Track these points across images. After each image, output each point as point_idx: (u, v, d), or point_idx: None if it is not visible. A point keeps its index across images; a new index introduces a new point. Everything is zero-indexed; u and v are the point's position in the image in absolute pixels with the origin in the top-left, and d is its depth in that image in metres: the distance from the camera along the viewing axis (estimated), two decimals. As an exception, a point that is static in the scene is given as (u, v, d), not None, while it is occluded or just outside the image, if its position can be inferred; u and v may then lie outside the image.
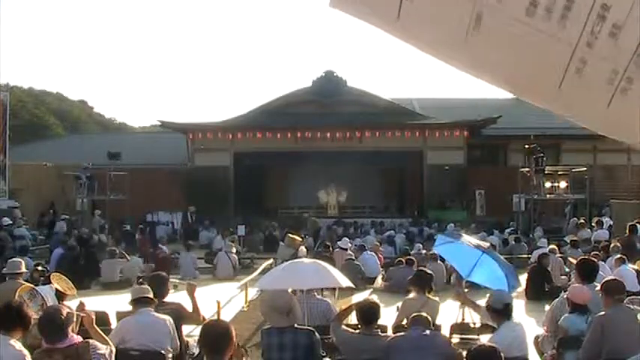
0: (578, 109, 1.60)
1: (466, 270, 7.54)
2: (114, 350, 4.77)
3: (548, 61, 1.50)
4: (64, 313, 4.45)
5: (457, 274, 12.00)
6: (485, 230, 20.25)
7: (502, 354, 3.96)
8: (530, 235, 20.49)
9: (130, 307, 6.11)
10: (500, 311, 5.51)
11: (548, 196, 23.50)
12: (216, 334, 3.89)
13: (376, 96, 31.38)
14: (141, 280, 7.58)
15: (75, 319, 4.59)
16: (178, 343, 5.87)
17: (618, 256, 10.89)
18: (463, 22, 1.48)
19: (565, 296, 6.44)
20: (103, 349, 4.52)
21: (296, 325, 5.41)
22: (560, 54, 1.48)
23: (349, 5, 1.56)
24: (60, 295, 6.52)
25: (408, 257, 13.62)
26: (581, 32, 1.44)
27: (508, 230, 21.48)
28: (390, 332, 6.78)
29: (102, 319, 6.58)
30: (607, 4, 1.41)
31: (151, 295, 6.00)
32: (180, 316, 6.25)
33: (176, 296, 7.08)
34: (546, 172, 23.29)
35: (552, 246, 14.90)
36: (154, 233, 23.32)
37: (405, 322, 7.06)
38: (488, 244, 8.14)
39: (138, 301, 5.92)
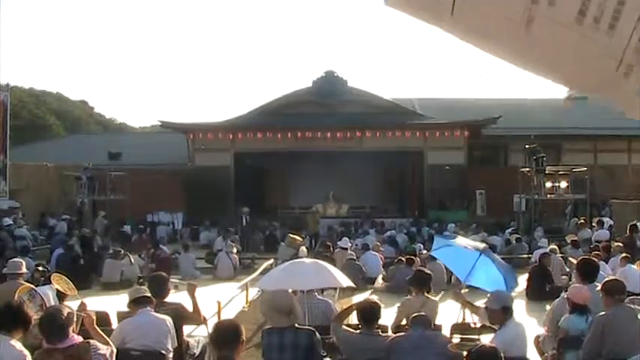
0: (625, 104, 1.66)
1: (464, 274, 7.53)
2: (114, 351, 4.78)
3: (597, 65, 1.54)
4: (65, 313, 4.46)
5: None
6: (485, 230, 20.25)
7: (503, 354, 3.96)
8: (531, 235, 20.47)
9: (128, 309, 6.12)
10: (500, 312, 5.51)
11: (548, 196, 23.47)
12: (227, 332, 3.94)
13: (377, 96, 31.36)
14: (141, 280, 7.58)
15: (76, 320, 4.60)
16: (176, 344, 5.87)
17: (623, 255, 10.90)
18: (515, 20, 1.52)
19: (565, 296, 6.43)
20: (104, 349, 4.52)
21: (297, 325, 5.42)
22: (608, 60, 1.51)
23: (405, 4, 1.60)
24: (60, 296, 6.53)
25: (408, 257, 13.61)
26: (629, 41, 1.47)
27: (509, 230, 21.46)
28: (390, 332, 6.79)
29: (103, 319, 6.58)
30: None
31: (149, 295, 6.01)
32: (180, 316, 6.25)
33: (177, 296, 7.09)
34: (547, 172, 23.26)
35: (553, 246, 14.90)
36: (154, 233, 23.33)
37: (404, 322, 7.06)
38: (484, 245, 8.10)
39: (137, 302, 5.92)
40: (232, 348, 3.85)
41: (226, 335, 3.90)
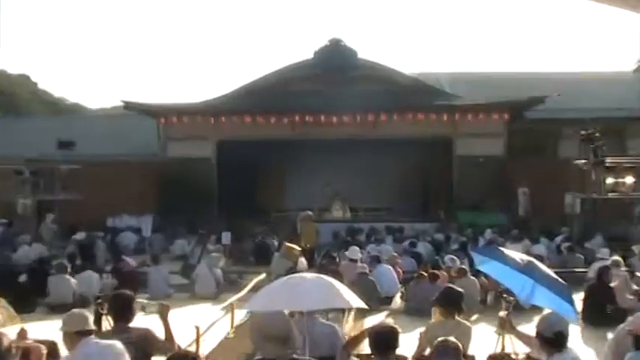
0: None
1: (523, 291, 7.54)
2: None
3: None
4: (5, 343, 4.41)
5: (496, 293, 12.07)
6: (530, 238, 20.23)
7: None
8: (588, 245, 20.45)
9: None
10: (552, 340, 5.48)
11: (610, 194, 23.43)
12: None
13: (394, 70, 31.33)
14: (100, 300, 7.57)
15: (15, 352, 4.53)
16: None
17: None
18: None
19: (627, 328, 6.36)
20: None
21: (295, 356, 5.40)
22: None
23: None
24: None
25: (432, 271, 13.63)
26: None
27: (559, 238, 21.45)
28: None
29: (49, 350, 6.56)
30: None
31: (90, 326, 5.93)
32: (149, 344, 6.24)
33: (145, 320, 7.08)
34: (608, 164, 23.23)
35: (616, 257, 14.86)
36: (116, 242, 23.35)
37: (428, 351, 7.06)
38: (528, 260, 8.07)
39: (76, 334, 5.83)
40: None
41: None
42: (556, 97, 27.95)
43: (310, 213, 20.87)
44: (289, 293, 6.94)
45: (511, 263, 7.78)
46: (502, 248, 9.49)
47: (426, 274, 13.55)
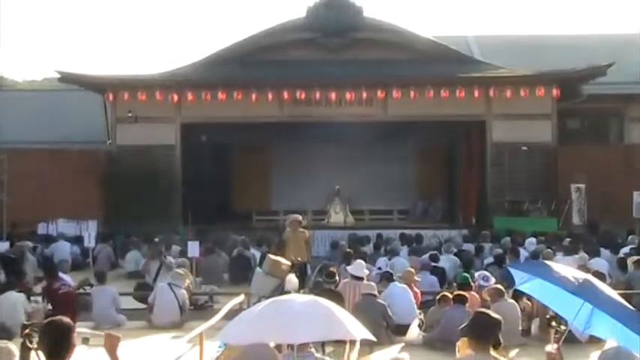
0: None
1: (578, 318, 7.50)
2: None
3: None
4: None
5: (542, 320, 12.06)
6: (587, 249, 20.21)
7: None
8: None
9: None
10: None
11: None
12: None
13: (411, 33, 31.32)
14: (28, 330, 7.53)
15: None
16: None
17: None
18: None
19: None
20: None
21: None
22: None
23: None
24: None
25: (460, 292, 13.60)
26: None
27: (625, 249, 21.43)
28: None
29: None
30: None
31: None
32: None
33: (88, 356, 7.04)
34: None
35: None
36: (50, 255, 23.27)
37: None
38: (585, 277, 8.03)
39: None
40: None
41: None
42: (613, 66, 27.79)
43: (299, 216, 20.70)
44: (275, 321, 6.93)
45: (562, 282, 7.77)
46: (550, 263, 9.47)
47: (451, 296, 13.52)
